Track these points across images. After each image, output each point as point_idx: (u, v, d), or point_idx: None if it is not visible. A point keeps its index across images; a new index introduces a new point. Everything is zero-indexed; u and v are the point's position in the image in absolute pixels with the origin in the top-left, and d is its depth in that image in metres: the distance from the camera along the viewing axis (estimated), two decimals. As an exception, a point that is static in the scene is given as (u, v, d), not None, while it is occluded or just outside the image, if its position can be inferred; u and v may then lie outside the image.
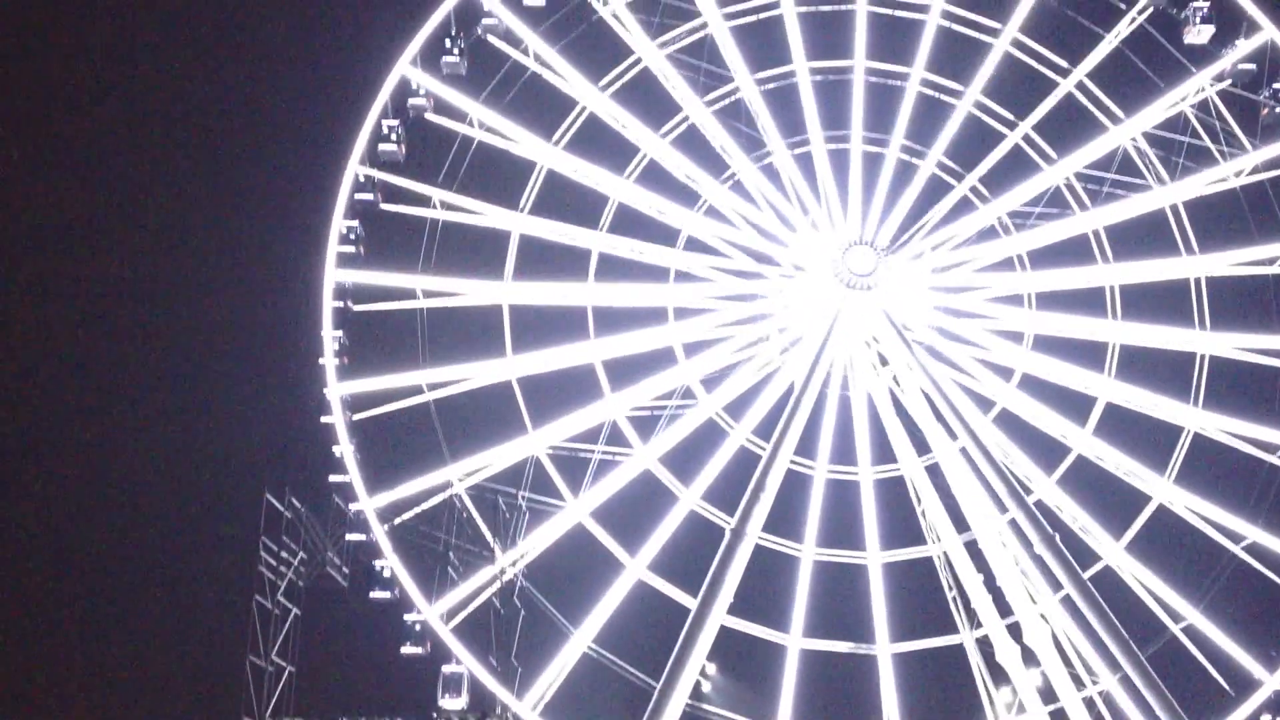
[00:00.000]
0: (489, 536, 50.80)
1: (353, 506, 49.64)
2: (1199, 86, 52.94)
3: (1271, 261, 52.07)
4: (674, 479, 52.58)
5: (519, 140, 53.37)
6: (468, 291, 52.89)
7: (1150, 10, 53.70)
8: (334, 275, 51.15)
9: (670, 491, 52.37)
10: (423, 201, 52.64)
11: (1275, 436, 51.73)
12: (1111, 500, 53.05)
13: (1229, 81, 52.98)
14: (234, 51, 62.69)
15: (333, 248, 51.21)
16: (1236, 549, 51.04)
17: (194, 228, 61.68)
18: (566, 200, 53.71)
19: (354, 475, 49.52)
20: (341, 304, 51.21)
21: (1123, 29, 53.85)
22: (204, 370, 60.31)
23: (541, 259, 53.76)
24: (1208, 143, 52.72)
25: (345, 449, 49.81)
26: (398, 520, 49.65)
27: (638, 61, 54.22)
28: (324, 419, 50.13)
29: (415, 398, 51.58)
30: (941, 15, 54.14)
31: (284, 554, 50.74)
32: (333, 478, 50.06)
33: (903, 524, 53.21)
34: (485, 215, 53.23)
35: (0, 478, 59.58)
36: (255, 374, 57.85)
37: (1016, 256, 54.22)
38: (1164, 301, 53.59)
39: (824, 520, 52.37)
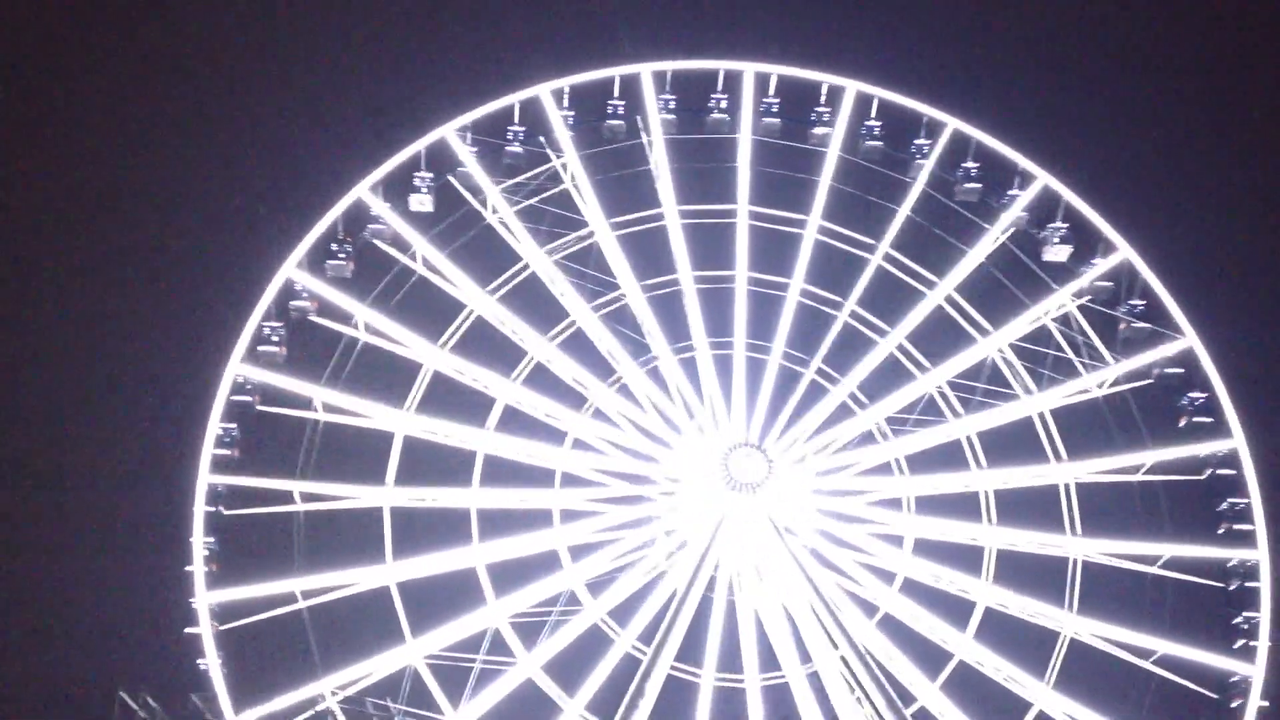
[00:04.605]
0: (362, 754, 48.56)
1: (216, 726, 47.23)
2: (1060, 302, 55.69)
3: (1136, 469, 54.07)
4: (558, 688, 51.28)
5: (405, 342, 53.20)
6: (348, 494, 51.75)
7: (1012, 230, 56.69)
8: (206, 479, 49.85)
9: (554, 702, 50.92)
10: (304, 403, 51.79)
11: (1148, 642, 52.79)
12: (993, 706, 53.16)
13: (1088, 298, 55.85)
14: (116, 251, 61.95)
15: (207, 451, 50.07)
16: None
17: (70, 419, 59.74)
18: (452, 402, 53.43)
19: (220, 691, 47.22)
20: (214, 508, 49.73)
21: (986, 246, 56.64)
22: (68, 567, 57.43)
23: (425, 461, 53.10)
24: (1070, 355, 55.20)
25: (211, 662, 47.65)
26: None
27: (525, 267, 54.99)
28: (189, 630, 47.94)
29: (288, 606, 49.72)
30: (818, 230, 56.32)
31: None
32: (195, 696, 47.76)
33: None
34: (369, 416, 52.51)
35: None
36: (120, 574, 55.24)
37: (895, 461, 55.40)
38: (1037, 506, 55.02)
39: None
